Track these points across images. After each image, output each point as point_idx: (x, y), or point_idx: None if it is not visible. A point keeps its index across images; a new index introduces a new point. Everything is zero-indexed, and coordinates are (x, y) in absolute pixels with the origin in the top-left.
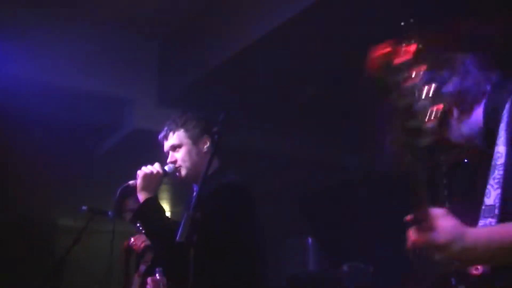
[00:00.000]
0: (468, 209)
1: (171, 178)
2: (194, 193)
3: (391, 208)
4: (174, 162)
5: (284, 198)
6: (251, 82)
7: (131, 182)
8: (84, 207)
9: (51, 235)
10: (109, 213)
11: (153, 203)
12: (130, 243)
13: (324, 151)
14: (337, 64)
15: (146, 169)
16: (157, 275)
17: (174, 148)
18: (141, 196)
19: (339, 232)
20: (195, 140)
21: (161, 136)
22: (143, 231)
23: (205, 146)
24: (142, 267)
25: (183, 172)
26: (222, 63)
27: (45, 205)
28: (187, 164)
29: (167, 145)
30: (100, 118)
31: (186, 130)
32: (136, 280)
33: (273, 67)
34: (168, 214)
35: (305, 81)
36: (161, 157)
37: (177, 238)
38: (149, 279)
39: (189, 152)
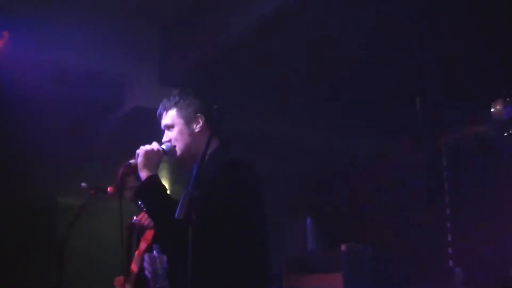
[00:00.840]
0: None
1: (169, 156)
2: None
3: (392, 191)
4: (169, 141)
5: (284, 179)
6: (253, 63)
7: (131, 161)
8: (83, 184)
9: (52, 213)
10: (109, 190)
11: (154, 181)
12: (133, 221)
13: (326, 133)
14: (342, 47)
15: (146, 147)
16: (154, 252)
17: (168, 127)
18: (143, 174)
19: (339, 212)
20: (187, 120)
21: (157, 114)
22: (145, 209)
23: (198, 126)
24: (143, 245)
25: (178, 152)
26: (224, 43)
27: (46, 183)
28: (180, 144)
29: (162, 123)
30: (101, 96)
31: (179, 110)
32: (137, 257)
33: (275, 49)
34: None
35: (309, 63)
36: (162, 135)
37: (176, 215)
38: (145, 256)
39: (181, 133)
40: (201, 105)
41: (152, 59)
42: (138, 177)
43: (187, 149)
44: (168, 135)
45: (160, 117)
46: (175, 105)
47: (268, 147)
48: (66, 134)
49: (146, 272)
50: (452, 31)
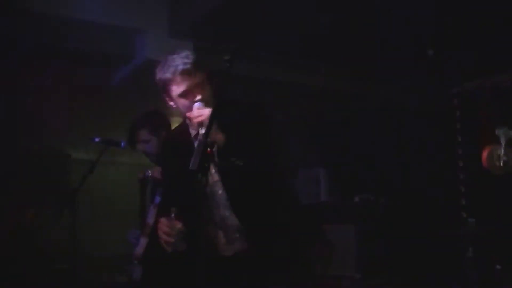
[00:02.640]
0: None
1: None
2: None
3: (405, 140)
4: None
5: (297, 129)
6: (266, 11)
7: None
8: (96, 139)
9: (65, 167)
10: (122, 143)
11: None
12: (147, 175)
13: (339, 81)
14: None
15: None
16: (172, 215)
17: (197, 86)
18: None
19: (352, 163)
20: (207, 77)
21: (182, 72)
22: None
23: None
24: (158, 198)
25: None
26: None
27: (59, 137)
28: (211, 100)
29: (192, 81)
30: (112, 49)
31: (200, 68)
32: (152, 211)
33: None
34: None
35: (321, 9)
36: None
37: (190, 166)
38: (162, 220)
39: (209, 89)
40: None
41: (162, 11)
42: (151, 132)
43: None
44: (199, 93)
45: (187, 75)
46: (197, 63)
47: (281, 97)
48: (77, 87)
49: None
50: None
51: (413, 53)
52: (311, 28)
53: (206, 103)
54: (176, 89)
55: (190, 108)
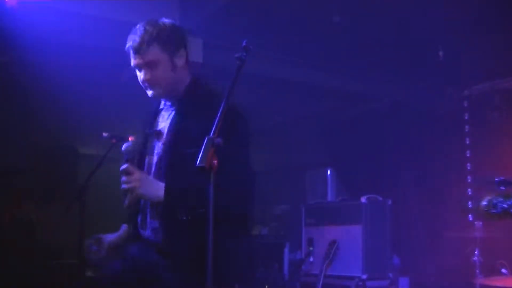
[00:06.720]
0: None
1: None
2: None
3: (412, 141)
4: (149, 79)
5: (306, 129)
6: (275, 11)
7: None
8: (105, 134)
9: (74, 162)
10: (130, 139)
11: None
12: None
13: (349, 82)
14: None
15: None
16: None
17: (150, 64)
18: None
19: (360, 163)
20: (171, 56)
21: (134, 48)
22: None
23: (182, 60)
24: None
25: (162, 91)
26: None
27: (68, 132)
28: (165, 82)
29: (140, 60)
30: (120, 45)
31: (162, 44)
32: None
33: None
34: None
35: (331, 8)
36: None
37: (198, 163)
38: None
39: (167, 69)
40: (183, 37)
41: (172, 9)
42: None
43: (172, 86)
44: (149, 73)
45: (136, 53)
46: (157, 39)
47: (291, 96)
48: (86, 83)
49: None
50: None
51: (424, 55)
52: (322, 27)
53: (154, 84)
54: (131, 61)
55: (143, 84)
